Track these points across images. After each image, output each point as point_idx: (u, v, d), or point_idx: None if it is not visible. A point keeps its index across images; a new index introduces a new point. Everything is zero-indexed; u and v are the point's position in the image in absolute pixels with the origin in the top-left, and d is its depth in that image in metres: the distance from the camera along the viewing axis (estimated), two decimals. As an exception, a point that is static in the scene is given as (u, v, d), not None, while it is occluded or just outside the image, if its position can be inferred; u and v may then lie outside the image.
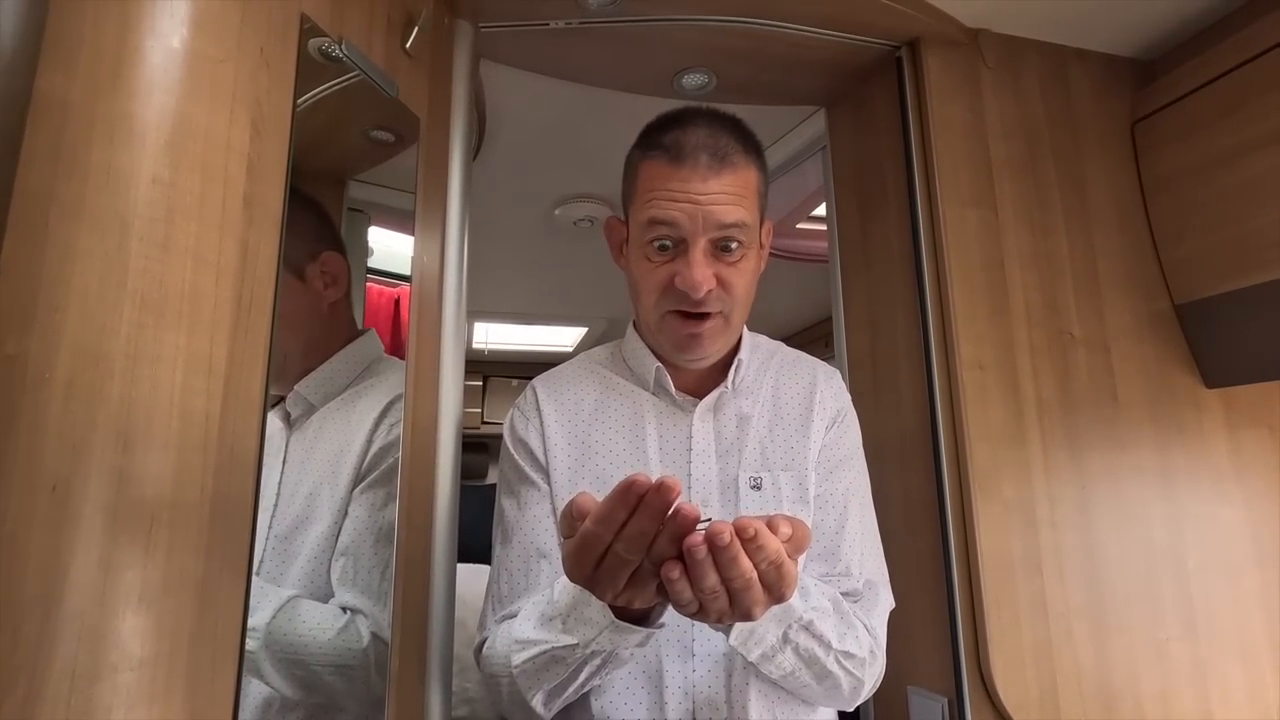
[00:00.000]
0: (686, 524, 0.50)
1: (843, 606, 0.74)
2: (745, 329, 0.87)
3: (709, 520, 0.51)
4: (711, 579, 0.51)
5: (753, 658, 0.68)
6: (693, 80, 1.29)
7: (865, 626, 0.75)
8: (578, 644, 0.64)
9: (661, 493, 0.49)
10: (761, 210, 0.81)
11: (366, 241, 0.93)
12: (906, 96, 1.19)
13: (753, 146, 0.80)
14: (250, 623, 0.60)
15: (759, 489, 0.80)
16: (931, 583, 1.07)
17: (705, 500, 0.80)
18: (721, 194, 0.75)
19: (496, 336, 3.30)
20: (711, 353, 0.82)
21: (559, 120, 1.49)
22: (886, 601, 0.81)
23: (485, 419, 3.66)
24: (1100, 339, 1.15)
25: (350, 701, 0.80)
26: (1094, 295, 1.16)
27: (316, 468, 0.81)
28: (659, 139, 0.78)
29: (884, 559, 0.85)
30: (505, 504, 0.85)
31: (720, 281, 0.77)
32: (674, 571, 0.52)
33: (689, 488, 0.80)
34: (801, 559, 0.61)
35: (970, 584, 1.02)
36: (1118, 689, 1.02)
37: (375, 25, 0.86)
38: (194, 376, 0.56)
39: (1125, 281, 1.19)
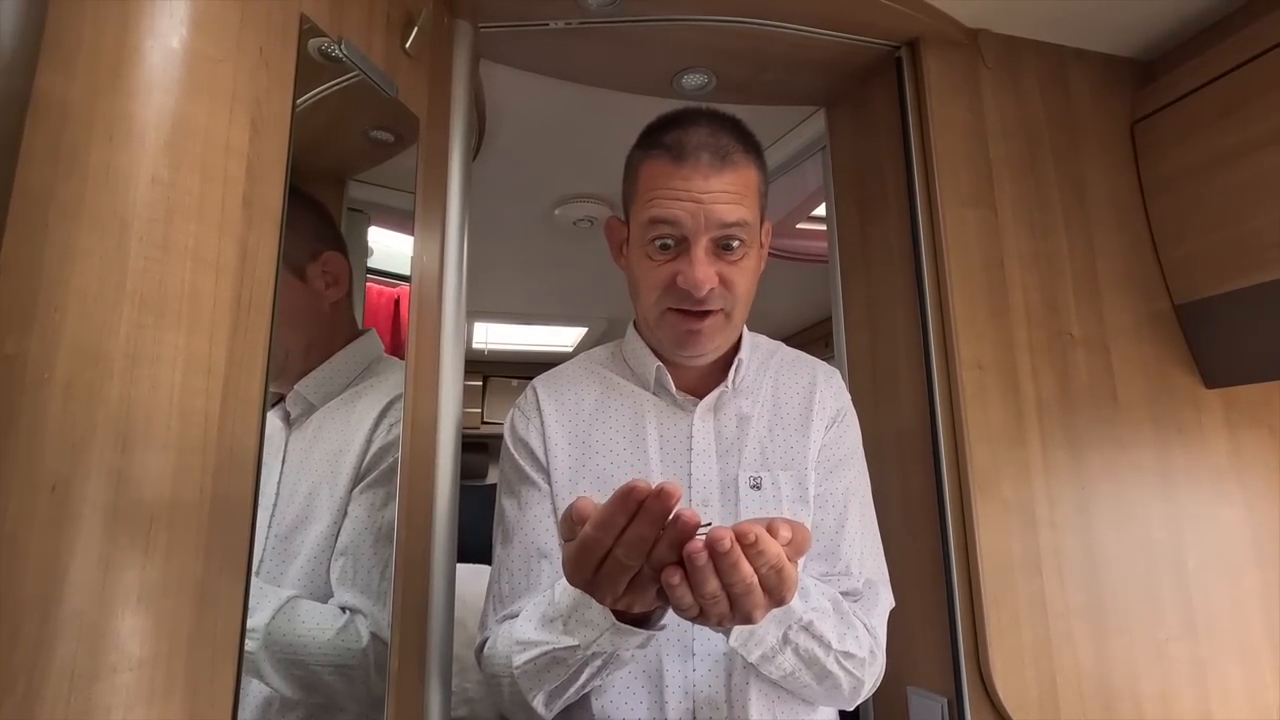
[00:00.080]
0: (687, 530, 0.50)
1: (842, 606, 0.74)
2: (745, 329, 0.87)
3: (709, 525, 0.51)
4: (712, 584, 0.51)
5: (753, 659, 0.68)
6: (693, 80, 1.29)
7: (865, 626, 0.75)
8: (578, 645, 0.64)
9: (661, 498, 0.49)
10: (762, 210, 0.81)
11: (366, 241, 0.93)
12: (906, 97, 1.19)
13: (753, 146, 0.80)
14: (250, 623, 0.60)
15: (759, 489, 0.80)
16: (931, 583, 1.07)
17: (705, 500, 0.80)
18: (723, 193, 0.75)
19: (496, 336, 3.30)
20: (711, 349, 0.82)
21: (559, 120, 1.49)
22: (886, 601, 0.81)
23: (485, 419, 3.66)
24: (1100, 339, 1.15)
25: (350, 701, 0.80)
26: (1094, 295, 1.16)
27: (316, 467, 0.81)
28: (660, 138, 0.78)
29: (884, 558, 0.85)
30: (506, 504, 0.85)
31: (722, 280, 0.77)
32: (674, 577, 0.51)
33: (689, 487, 0.80)
34: (801, 560, 0.61)
35: (970, 584, 1.02)
36: (1117, 689, 1.02)
37: (375, 25, 0.86)
38: (193, 376, 0.56)
39: (1125, 281, 1.19)
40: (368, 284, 0.93)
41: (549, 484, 0.83)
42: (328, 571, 0.78)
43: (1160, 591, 1.08)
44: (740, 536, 0.50)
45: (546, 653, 0.67)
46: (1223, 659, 1.08)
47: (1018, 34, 1.21)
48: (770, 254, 0.87)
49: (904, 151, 1.18)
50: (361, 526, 0.80)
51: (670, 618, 0.63)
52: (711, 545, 0.50)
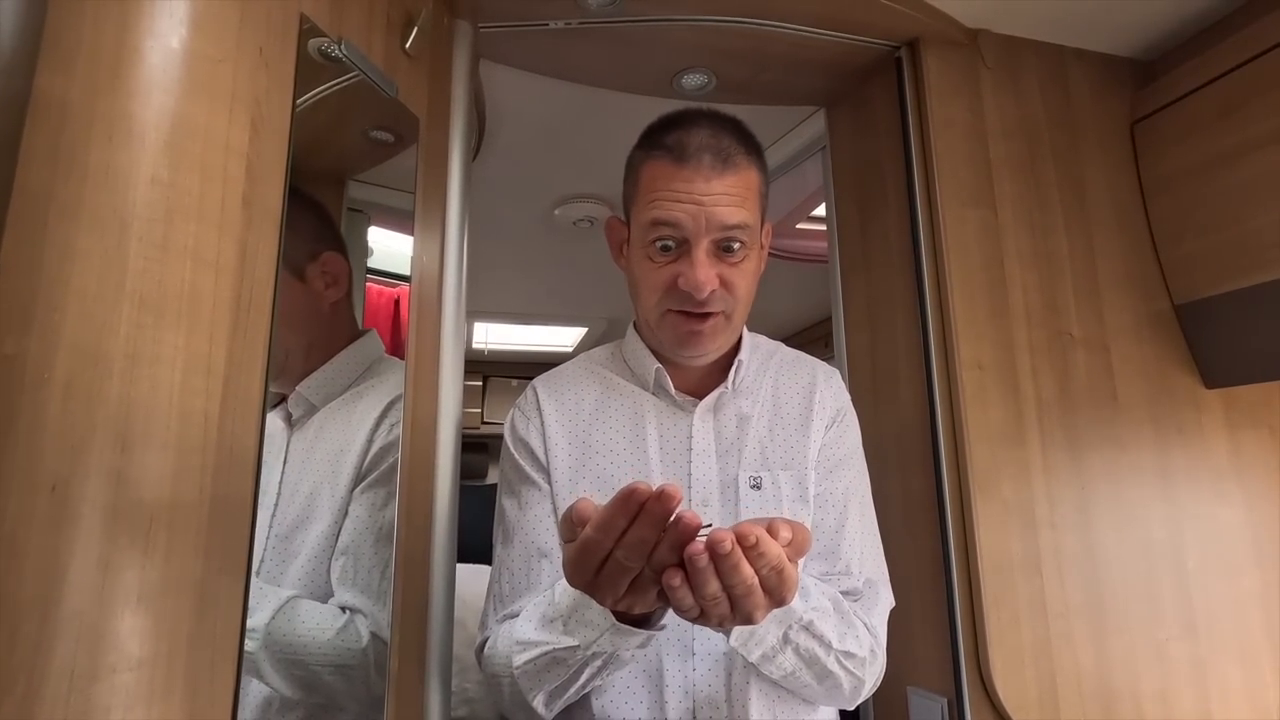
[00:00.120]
0: (688, 532, 0.50)
1: (843, 606, 0.74)
2: (745, 329, 0.87)
3: (710, 527, 0.51)
4: (713, 586, 0.51)
5: (753, 658, 0.68)
6: (692, 80, 1.29)
7: (865, 625, 0.75)
8: (579, 646, 0.64)
9: (662, 500, 0.49)
10: (762, 211, 0.81)
11: (366, 241, 0.93)
12: (906, 97, 1.19)
13: (754, 148, 0.80)
14: (250, 623, 0.60)
15: (759, 488, 0.80)
16: (931, 583, 1.07)
17: (705, 500, 0.80)
18: (724, 195, 0.75)
19: (496, 336, 3.31)
20: (712, 350, 0.82)
21: (559, 120, 1.49)
22: (886, 600, 0.81)
23: (485, 419, 3.66)
24: (1100, 339, 1.15)
25: (350, 701, 0.80)
26: (1093, 295, 1.16)
27: (317, 467, 0.81)
28: (662, 139, 0.78)
29: (884, 558, 0.85)
30: (506, 504, 0.85)
31: (723, 282, 0.77)
32: (675, 579, 0.51)
33: (689, 487, 0.80)
34: (801, 560, 0.61)
35: (970, 584, 1.02)
36: (1117, 689, 1.02)
37: (375, 25, 0.86)
38: (193, 376, 0.56)
39: (1125, 282, 1.19)
40: (368, 284, 0.93)
41: (549, 484, 0.83)
42: (328, 571, 0.78)
43: (1160, 591, 1.08)
44: (741, 538, 0.50)
45: (546, 653, 0.67)
46: (1223, 659, 1.08)
47: (1017, 34, 1.21)
48: (770, 254, 0.88)
49: (904, 151, 1.18)
50: (362, 526, 0.80)
51: (670, 618, 0.63)
52: (712, 547, 0.50)
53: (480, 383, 3.68)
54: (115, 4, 0.56)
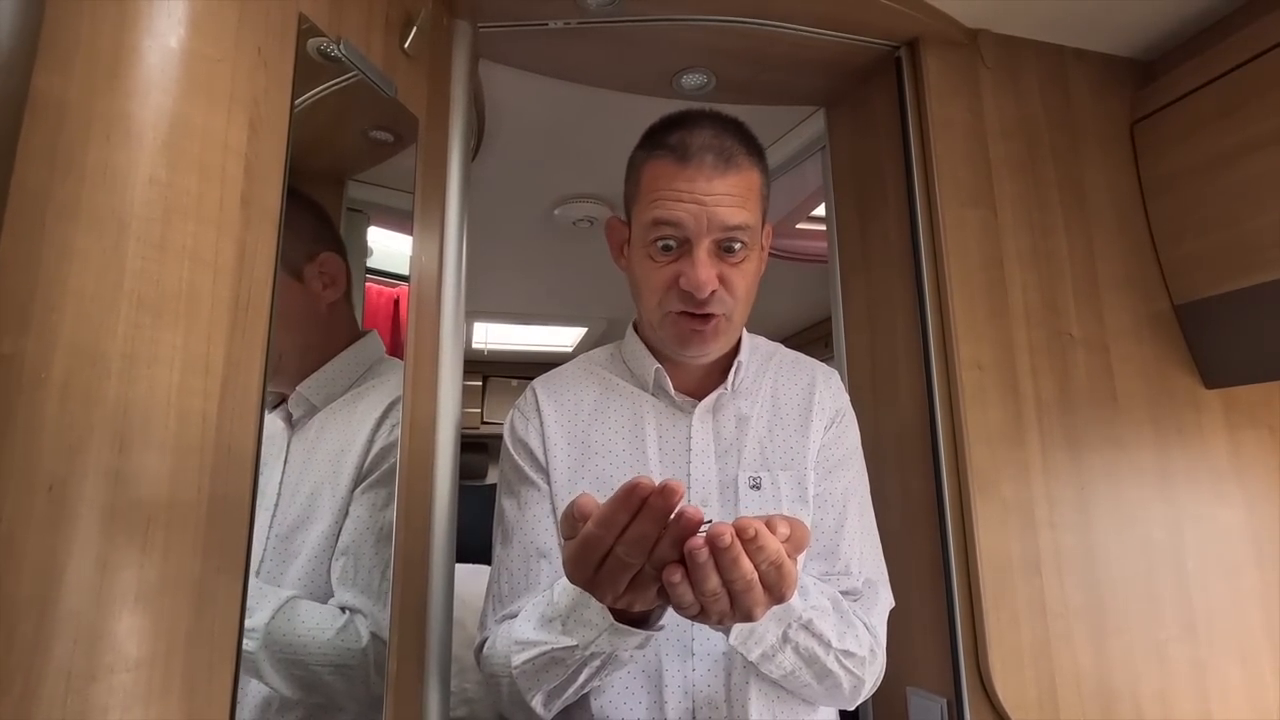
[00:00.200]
0: (690, 528, 0.50)
1: (842, 605, 0.74)
2: (745, 330, 0.87)
3: (709, 522, 0.51)
4: (713, 581, 0.51)
5: (753, 657, 0.68)
6: (692, 80, 1.29)
7: (865, 625, 0.75)
8: (577, 645, 0.64)
9: (665, 496, 0.49)
10: (763, 212, 0.81)
11: (366, 241, 0.93)
12: (906, 97, 1.19)
13: (755, 149, 0.80)
14: (249, 623, 0.60)
15: (758, 489, 0.80)
16: (930, 583, 1.06)
17: (705, 500, 0.80)
18: (726, 195, 0.75)
19: (496, 336, 3.30)
20: (713, 349, 0.82)
21: (558, 120, 1.49)
22: (886, 600, 0.81)
23: (485, 419, 3.66)
24: (1099, 339, 1.15)
25: (349, 701, 0.80)
26: (1093, 295, 1.16)
27: (318, 468, 0.81)
28: (664, 139, 0.78)
29: (883, 558, 0.85)
30: (505, 504, 0.85)
31: (723, 282, 0.77)
32: (675, 575, 0.51)
33: (688, 488, 0.81)
34: (801, 558, 0.61)
35: (969, 584, 1.02)
36: (1117, 689, 1.02)
37: (373, 25, 0.86)
38: (191, 376, 0.56)
39: (1124, 282, 1.19)
40: (367, 284, 0.93)
41: (548, 484, 0.83)
42: (328, 572, 0.78)
43: (1160, 592, 1.08)
44: (740, 531, 0.50)
45: (545, 653, 0.67)
46: (1223, 659, 1.08)
47: (1017, 34, 1.21)
48: (770, 254, 0.88)
49: (904, 151, 1.18)
50: (363, 527, 0.80)
51: (670, 617, 0.63)
52: (712, 541, 0.50)
53: (480, 383, 3.68)
54: (113, 3, 0.56)
